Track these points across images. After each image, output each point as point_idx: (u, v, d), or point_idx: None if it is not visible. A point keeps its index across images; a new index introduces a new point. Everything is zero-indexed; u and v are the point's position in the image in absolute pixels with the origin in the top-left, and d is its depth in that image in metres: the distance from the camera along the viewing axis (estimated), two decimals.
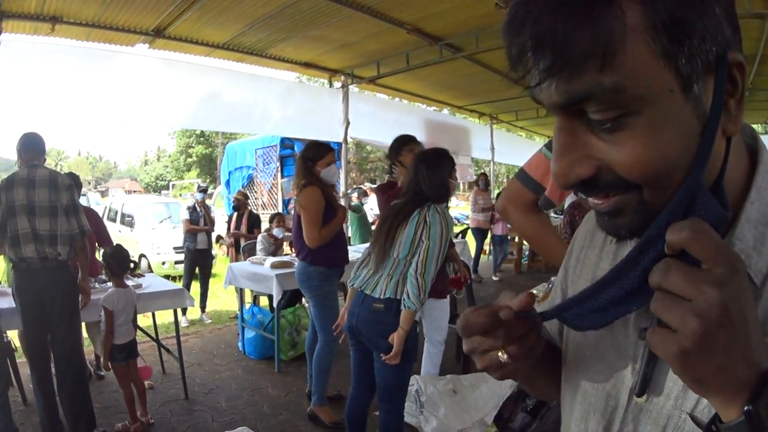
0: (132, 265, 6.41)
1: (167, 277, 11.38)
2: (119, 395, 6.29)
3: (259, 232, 11.67)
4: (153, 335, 7.86)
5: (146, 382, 6.68)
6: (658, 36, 0.78)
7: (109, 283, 6.13)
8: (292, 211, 6.37)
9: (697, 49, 0.81)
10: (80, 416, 5.60)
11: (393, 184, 6.32)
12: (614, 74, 0.79)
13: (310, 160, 6.22)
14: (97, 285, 6.69)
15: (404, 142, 6.25)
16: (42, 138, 5.88)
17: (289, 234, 10.50)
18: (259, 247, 10.63)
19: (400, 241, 4.40)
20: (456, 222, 25.16)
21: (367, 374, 4.79)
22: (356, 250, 9.41)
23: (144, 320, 8.31)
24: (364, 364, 4.78)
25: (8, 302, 5.73)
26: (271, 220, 11.68)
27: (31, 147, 5.75)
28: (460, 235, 15.09)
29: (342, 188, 13.82)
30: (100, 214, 10.62)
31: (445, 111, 19.36)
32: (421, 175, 4.54)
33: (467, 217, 29.82)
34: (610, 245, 1.21)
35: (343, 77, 12.98)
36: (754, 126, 29.08)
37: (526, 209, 3.12)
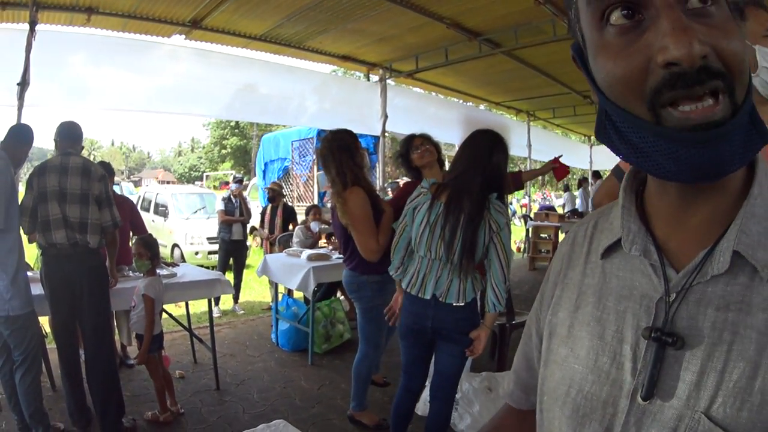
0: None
1: (201, 267, 11.45)
2: (149, 384, 6.33)
3: (296, 225, 11.64)
4: (186, 325, 7.88)
5: (177, 372, 6.81)
6: None
7: (142, 274, 6.10)
8: (328, 204, 6.17)
9: None
10: (109, 403, 5.63)
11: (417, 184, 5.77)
12: None
13: (352, 148, 5.76)
14: (131, 273, 6.73)
15: (410, 140, 6.11)
16: (79, 126, 5.90)
17: (326, 227, 10.47)
18: (295, 239, 10.63)
19: (477, 249, 4.31)
20: None
21: (423, 369, 4.89)
22: None
23: (176, 310, 8.35)
24: (420, 359, 4.82)
25: (39, 288, 5.72)
26: (307, 213, 11.66)
27: (66, 135, 5.78)
28: None
29: (379, 183, 13.92)
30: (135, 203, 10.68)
31: (482, 107, 19.21)
32: (495, 158, 4.40)
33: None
34: (596, 261, 1.21)
35: (381, 71, 12.96)
36: None
37: None
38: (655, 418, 0.96)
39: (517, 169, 9.36)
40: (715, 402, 0.90)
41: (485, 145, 4.44)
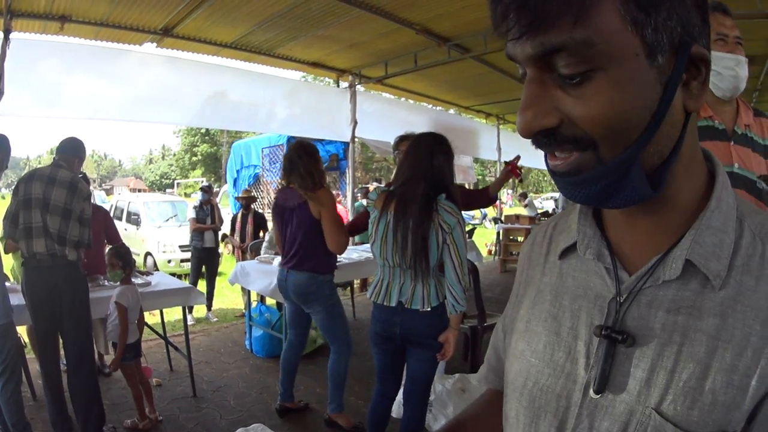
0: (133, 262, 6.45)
1: (173, 275, 11.37)
2: (127, 392, 6.32)
3: (266, 231, 11.60)
4: (161, 333, 7.90)
5: (154, 380, 6.79)
6: (627, 3, 0.85)
7: (118, 282, 6.09)
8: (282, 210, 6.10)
9: (663, 25, 0.88)
10: (90, 412, 5.63)
11: None
12: (585, 30, 0.85)
13: (317, 158, 6.05)
14: (106, 282, 6.69)
15: (403, 137, 6.13)
16: (78, 143, 5.97)
17: None
18: (265, 245, 10.54)
19: (432, 252, 4.37)
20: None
21: (396, 375, 4.96)
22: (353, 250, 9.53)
23: (151, 318, 8.35)
24: (393, 365, 4.90)
25: (19, 298, 5.74)
26: None
27: (62, 148, 5.87)
28: (467, 235, 15.09)
29: (349, 188, 13.91)
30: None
31: (451, 111, 19.37)
32: (436, 162, 4.47)
33: (473, 217, 29.67)
34: (554, 261, 1.27)
35: (350, 77, 12.97)
36: None
37: None
38: (607, 412, 1.02)
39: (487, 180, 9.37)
40: (666, 399, 0.96)
41: (426, 150, 4.51)
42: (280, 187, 6.24)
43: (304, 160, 5.88)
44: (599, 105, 0.88)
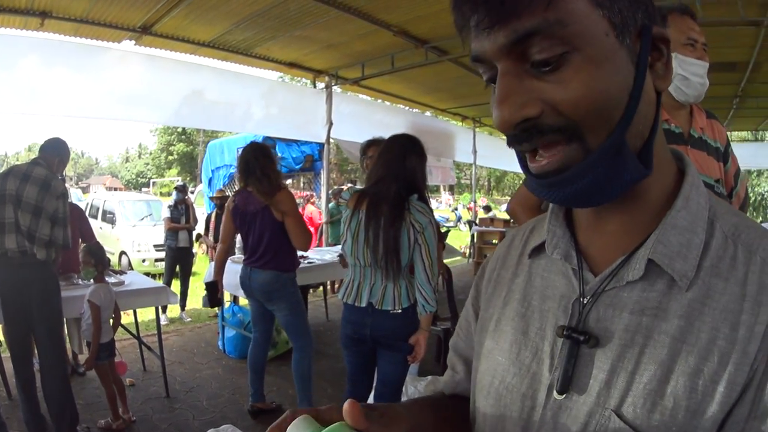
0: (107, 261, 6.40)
1: (148, 274, 11.35)
2: (101, 392, 6.26)
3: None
4: (134, 332, 7.88)
5: (127, 380, 6.76)
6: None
7: (92, 281, 6.06)
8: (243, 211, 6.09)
9: (626, 9, 0.90)
10: (64, 412, 5.58)
11: None
12: (557, 12, 0.85)
13: (269, 157, 6.07)
14: (80, 281, 6.68)
15: (372, 142, 6.15)
16: (62, 144, 5.98)
17: None
18: (238, 246, 10.54)
19: (403, 251, 4.39)
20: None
21: (367, 376, 4.94)
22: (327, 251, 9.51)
23: (125, 318, 8.30)
24: (364, 368, 4.89)
25: None
26: None
27: (43, 147, 5.86)
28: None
29: (324, 189, 13.94)
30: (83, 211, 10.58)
31: (428, 113, 19.38)
32: (409, 163, 4.49)
33: (447, 219, 29.67)
34: (525, 261, 1.27)
35: (327, 78, 12.96)
36: (744, 133, 28.80)
37: (533, 212, 3.30)
38: (570, 413, 1.01)
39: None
40: (625, 401, 0.94)
41: (398, 151, 4.53)
42: (239, 188, 6.20)
43: (261, 162, 5.91)
44: (580, 86, 0.87)
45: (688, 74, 2.90)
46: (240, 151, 18.84)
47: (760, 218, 32.34)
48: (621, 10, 0.89)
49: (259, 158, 5.92)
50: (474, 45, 0.93)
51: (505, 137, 0.97)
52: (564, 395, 1.02)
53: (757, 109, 17.06)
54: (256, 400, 6.49)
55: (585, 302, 1.05)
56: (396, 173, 4.44)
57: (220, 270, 6.48)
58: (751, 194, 23.31)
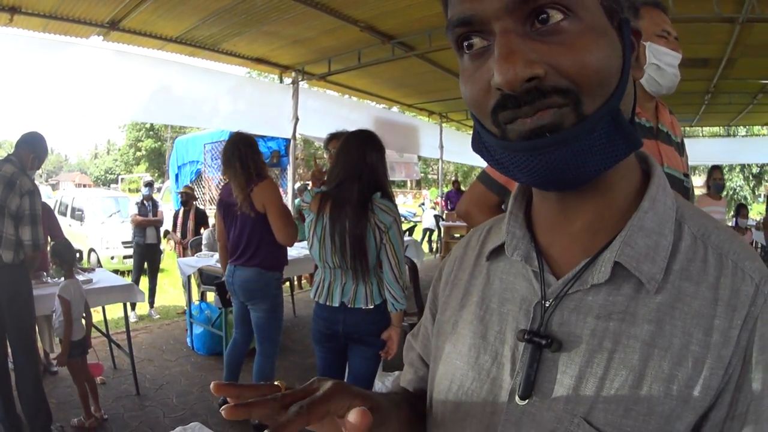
0: (78, 255, 6.32)
1: (116, 271, 11.37)
2: (73, 390, 6.21)
3: (206, 228, 11.60)
4: (103, 330, 7.81)
5: (98, 378, 6.68)
6: None
7: (62, 279, 5.98)
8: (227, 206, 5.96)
9: (614, 1, 0.92)
10: (38, 412, 5.53)
11: None
12: None
13: (251, 146, 5.83)
14: (49, 279, 6.61)
15: (333, 136, 6.02)
16: (37, 139, 5.84)
17: None
18: (204, 242, 10.57)
19: (370, 251, 4.37)
20: (403, 219, 24.89)
21: (338, 373, 4.91)
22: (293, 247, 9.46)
23: (94, 315, 8.22)
24: (335, 363, 4.84)
25: None
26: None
27: (18, 143, 5.73)
28: (407, 232, 15.13)
29: (290, 185, 13.99)
30: (52, 208, 10.47)
31: (395, 109, 19.49)
32: (369, 159, 4.44)
33: (414, 214, 29.66)
34: (483, 263, 1.24)
35: (294, 73, 12.95)
36: (716, 128, 29.28)
37: (491, 212, 3.02)
38: (534, 419, 0.98)
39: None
40: (596, 407, 0.92)
41: (357, 149, 4.48)
42: (224, 183, 6.06)
43: (241, 152, 5.71)
44: (584, 51, 0.86)
45: (662, 64, 2.88)
46: (206, 146, 18.89)
47: (732, 213, 32.80)
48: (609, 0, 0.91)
49: (240, 148, 5.72)
50: (464, 6, 0.90)
51: (471, 133, 0.93)
52: (527, 401, 0.99)
53: (729, 104, 17.26)
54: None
55: (547, 305, 1.02)
56: (358, 173, 4.39)
57: (223, 269, 6.28)
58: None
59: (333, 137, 5.97)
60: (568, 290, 1.00)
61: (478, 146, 1.01)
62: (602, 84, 0.87)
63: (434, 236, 22.56)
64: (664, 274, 0.95)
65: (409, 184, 55.60)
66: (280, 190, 16.30)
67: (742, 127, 28.77)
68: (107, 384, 7.22)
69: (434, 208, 27.72)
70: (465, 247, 1.35)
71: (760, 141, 22.45)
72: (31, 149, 5.67)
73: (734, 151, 21.82)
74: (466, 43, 0.93)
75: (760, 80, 14.22)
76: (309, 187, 6.91)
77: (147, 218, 11.57)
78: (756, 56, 11.78)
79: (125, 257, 16.48)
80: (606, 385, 0.92)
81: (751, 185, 39.10)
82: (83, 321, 5.94)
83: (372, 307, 4.43)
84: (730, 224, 9.88)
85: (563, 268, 1.04)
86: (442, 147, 20.00)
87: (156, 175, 64.41)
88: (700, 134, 25.40)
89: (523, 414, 0.99)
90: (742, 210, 10.51)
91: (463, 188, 21.53)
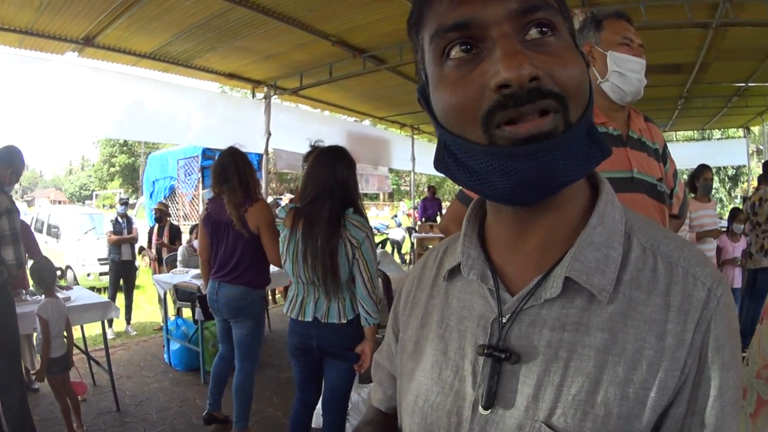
0: (59, 273, 6.26)
1: (93, 288, 11.29)
2: (55, 407, 6.22)
3: (180, 244, 11.56)
4: (82, 348, 7.69)
5: (80, 396, 6.57)
6: (560, 4, 0.97)
7: (42, 296, 5.93)
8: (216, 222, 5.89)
9: (570, 25, 1.00)
10: (23, 428, 5.48)
11: None
12: (551, 0, 0.94)
13: (250, 164, 5.83)
14: (29, 298, 6.55)
15: (312, 150, 5.84)
16: (13, 153, 5.76)
17: None
18: (179, 258, 10.52)
19: (342, 267, 4.35)
20: (376, 232, 24.97)
21: (316, 384, 4.90)
22: None
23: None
24: (312, 376, 4.83)
25: None
26: (191, 232, 11.64)
27: None
28: (380, 245, 15.11)
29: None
30: (29, 225, 10.38)
31: (366, 122, 19.54)
32: (339, 175, 4.42)
33: (387, 227, 29.58)
34: (441, 283, 1.26)
35: (266, 88, 12.96)
36: (690, 132, 29.28)
37: None
38: (497, 427, 1.02)
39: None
40: (555, 413, 0.96)
41: (327, 165, 4.47)
42: (213, 195, 5.97)
43: (239, 167, 5.65)
44: (571, 63, 0.93)
45: (624, 70, 2.91)
46: (180, 162, 18.83)
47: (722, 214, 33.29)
48: (571, 27, 1.00)
49: (238, 162, 5.69)
50: (462, 11, 0.93)
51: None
52: (490, 410, 1.03)
53: (703, 108, 17.50)
54: (213, 409, 6.39)
55: (504, 321, 1.06)
56: (329, 191, 4.39)
57: (205, 284, 6.24)
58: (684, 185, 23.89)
59: (312, 152, 5.77)
60: (523, 306, 1.03)
61: (441, 164, 1.04)
62: (583, 95, 0.94)
63: (404, 249, 22.66)
64: (615, 285, 0.99)
65: (381, 196, 55.63)
66: None
67: (717, 130, 29.00)
68: (88, 400, 7.16)
69: (409, 216, 27.76)
70: (422, 268, 1.38)
71: (736, 143, 22.54)
72: (8, 164, 5.57)
73: (710, 154, 21.56)
74: (454, 50, 0.95)
75: (735, 83, 14.36)
76: (281, 202, 6.85)
77: (122, 236, 11.48)
78: (730, 60, 11.93)
79: (101, 274, 16.33)
80: (564, 391, 0.96)
81: (728, 187, 39.70)
82: (65, 339, 5.87)
83: (345, 321, 4.42)
84: (723, 227, 9.49)
85: (517, 285, 1.08)
86: (414, 159, 20.06)
87: (130, 190, 64.27)
88: (675, 138, 25.53)
89: (487, 423, 1.03)
90: (737, 214, 9.49)
91: (437, 196, 21.52)
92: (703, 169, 9.06)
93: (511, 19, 0.90)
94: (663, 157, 3.28)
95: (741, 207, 10.71)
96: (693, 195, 8.92)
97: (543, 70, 0.88)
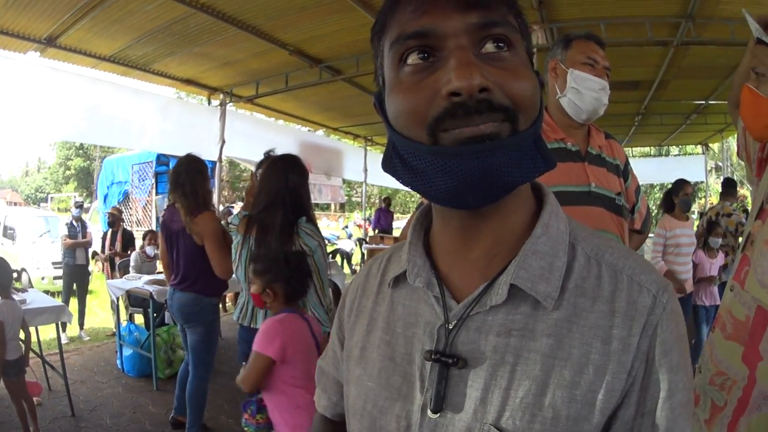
0: (15, 275, 6.14)
1: (47, 292, 11.16)
2: (11, 410, 6.12)
3: (133, 250, 11.51)
4: (37, 351, 7.56)
5: (35, 399, 6.51)
6: (519, 18, 1.02)
7: None
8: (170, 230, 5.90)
9: (527, 44, 1.05)
10: None
11: None
12: (511, 17, 0.98)
13: (206, 176, 5.85)
14: None
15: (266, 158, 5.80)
16: None
17: None
18: (131, 264, 10.47)
19: None
20: (327, 242, 24.80)
21: None
22: None
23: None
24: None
25: None
26: (144, 237, 11.49)
27: None
28: (330, 255, 15.17)
29: (217, 207, 13.67)
30: None
31: (320, 132, 19.57)
32: (291, 183, 4.48)
33: (338, 237, 29.53)
34: (386, 291, 1.27)
35: (222, 95, 12.87)
36: (647, 148, 29.75)
37: None
38: (447, 430, 1.02)
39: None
40: (503, 415, 0.97)
41: (280, 174, 4.53)
42: (166, 204, 5.95)
43: (191, 177, 5.61)
44: (523, 78, 0.95)
45: (582, 88, 3.02)
46: (134, 167, 18.77)
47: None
48: (528, 46, 1.05)
49: (190, 172, 5.66)
50: (423, 21, 0.95)
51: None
52: (438, 414, 1.03)
53: (661, 125, 17.70)
54: (179, 414, 6.34)
55: (450, 327, 1.06)
56: (281, 199, 4.43)
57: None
58: (653, 207, 23.93)
59: (265, 160, 5.73)
60: (469, 312, 1.04)
61: (388, 165, 1.06)
62: (533, 108, 0.96)
63: (355, 260, 22.67)
64: (560, 293, 1.01)
65: (333, 206, 55.68)
66: None
67: (674, 146, 29.12)
68: (43, 405, 7.04)
69: (360, 227, 27.73)
70: (366, 275, 1.39)
71: (694, 159, 22.80)
72: None
73: (668, 170, 21.93)
74: (411, 57, 0.97)
75: (694, 101, 14.54)
76: (234, 211, 6.87)
77: (77, 240, 11.34)
78: (690, 78, 12.09)
79: (55, 278, 16.09)
80: (511, 394, 0.97)
81: None
82: (20, 341, 5.80)
83: None
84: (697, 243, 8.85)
85: (463, 292, 1.08)
86: (366, 170, 20.00)
87: (84, 194, 63.69)
88: (631, 154, 25.60)
89: (436, 426, 1.03)
90: (714, 228, 8.56)
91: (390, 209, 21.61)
92: (683, 183, 8.31)
93: (469, 33, 0.94)
94: (624, 173, 3.37)
95: (697, 223, 10.35)
96: (669, 212, 8.18)
97: (494, 83, 0.92)
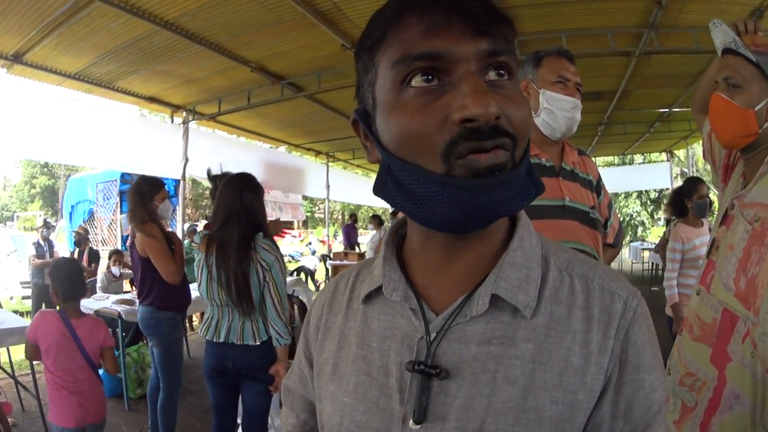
0: None
1: (16, 312, 10.99)
2: None
3: (97, 268, 11.51)
4: (9, 372, 7.51)
5: (10, 420, 6.42)
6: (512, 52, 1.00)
7: None
8: (130, 249, 5.90)
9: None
10: None
11: None
12: (512, 47, 0.99)
13: (146, 195, 5.87)
14: None
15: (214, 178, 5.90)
16: None
17: (128, 271, 10.32)
18: (98, 285, 10.39)
19: (254, 289, 4.43)
20: (290, 259, 25.46)
21: (232, 409, 4.92)
22: None
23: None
24: (228, 399, 4.84)
25: None
26: (109, 257, 11.40)
27: None
28: (294, 272, 15.44)
29: (179, 225, 13.69)
30: None
31: (282, 149, 19.49)
32: (246, 201, 4.52)
33: (302, 254, 29.44)
34: (357, 306, 1.25)
35: (184, 113, 12.68)
36: (610, 158, 30.05)
37: None
38: None
39: None
40: (486, 421, 0.97)
41: (234, 192, 4.57)
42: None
43: (131, 198, 5.90)
44: (523, 107, 0.97)
45: (555, 109, 3.05)
46: (99, 186, 18.64)
47: (629, 238, 34.44)
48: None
49: (132, 194, 5.90)
50: (434, 42, 0.94)
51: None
52: (420, 425, 1.02)
53: (624, 134, 17.82)
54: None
55: (431, 339, 1.06)
56: (237, 216, 4.48)
57: None
58: (619, 215, 24.61)
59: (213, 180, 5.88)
60: (450, 323, 1.04)
61: (382, 189, 1.03)
62: (527, 137, 0.99)
63: (319, 276, 22.37)
64: (537, 301, 1.03)
65: (296, 224, 55.87)
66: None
67: (639, 154, 29.68)
68: (18, 426, 6.97)
69: (323, 243, 27.75)
70: (333, 292, 1.36)
71: (659, 167, 22.94)
72: None
73: (632, 179, 22.82)
74: (415, 79, 0.95)
75: (658, 109, 14.62)
76: (198, 228, 6.92)
77: (45, 260, 11.22)
78: (653, 87, 12.15)
79: (23, 297, 15.84)
80: (494, 400, 0.97)
81: (650, 210, 40.69)
82: None
83: (259, 343, 4.49)
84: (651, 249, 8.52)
85: (441, 305, 1.08)
86: (328, 187, 19.86)
87: (50, 213, 63.57)
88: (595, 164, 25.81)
89: None
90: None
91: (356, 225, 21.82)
92: (697, 183, 6.75)
93: (479, 59, 0.94)
94: (597, 188, 3.42)
95: (664, 230, 10.16)
96: (680, 219, 6.73)
97: (502, 110, 0.91)
